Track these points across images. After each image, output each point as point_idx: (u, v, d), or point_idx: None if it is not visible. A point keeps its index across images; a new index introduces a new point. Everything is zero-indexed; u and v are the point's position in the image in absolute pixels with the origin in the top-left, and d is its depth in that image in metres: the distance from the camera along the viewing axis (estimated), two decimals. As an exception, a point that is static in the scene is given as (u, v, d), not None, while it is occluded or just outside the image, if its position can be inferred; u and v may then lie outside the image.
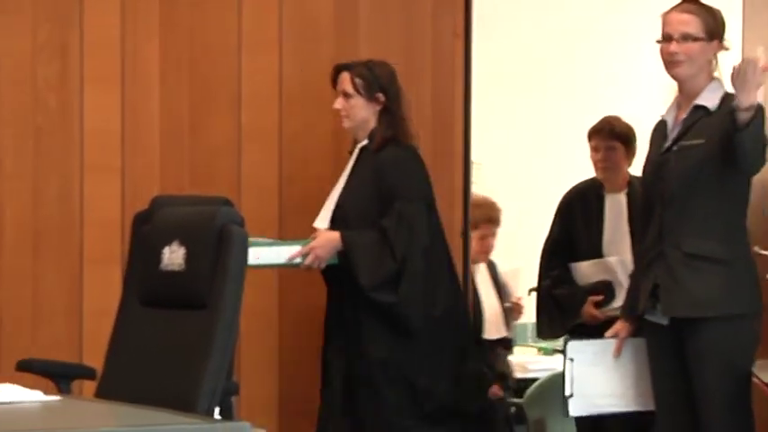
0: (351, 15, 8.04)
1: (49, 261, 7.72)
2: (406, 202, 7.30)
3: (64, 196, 7.78)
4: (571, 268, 8.05)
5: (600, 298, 7.82)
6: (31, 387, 4.46)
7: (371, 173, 7.49)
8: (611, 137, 8.07)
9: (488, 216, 9.19)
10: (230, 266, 5.37)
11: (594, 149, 8.10)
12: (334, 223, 7.41)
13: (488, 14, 8.82)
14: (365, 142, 7.41)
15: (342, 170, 7.66)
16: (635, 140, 8.09)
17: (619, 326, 6.93)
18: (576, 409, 6.99)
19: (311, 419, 7.75)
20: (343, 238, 7.25)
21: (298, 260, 7.16)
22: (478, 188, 8.85)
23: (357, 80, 7.42)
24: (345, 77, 7.43)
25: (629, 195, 8.09)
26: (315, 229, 7.47)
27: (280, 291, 8.02)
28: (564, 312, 8.07)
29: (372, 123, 7.42)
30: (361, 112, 7.39)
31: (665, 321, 6.68)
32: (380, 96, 7.36)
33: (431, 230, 7.16)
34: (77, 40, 7.75)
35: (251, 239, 5.73)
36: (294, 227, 7.95)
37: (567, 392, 6.93)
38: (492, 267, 9.38)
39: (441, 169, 7.90)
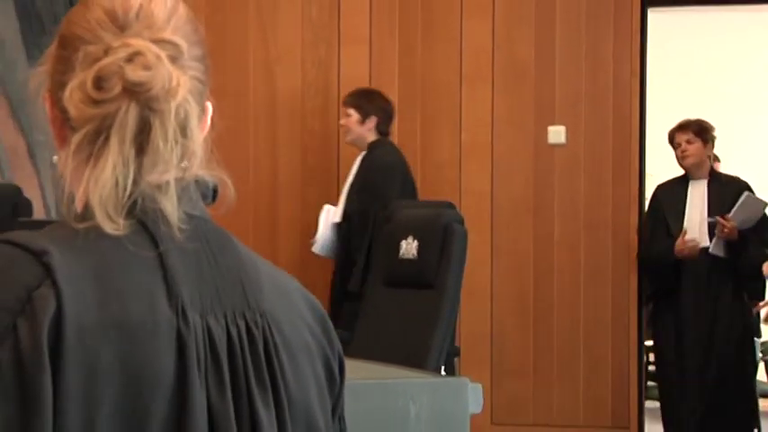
0: (548, 58, 8.39)
1: (297, 250, 8.12)
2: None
3: (329, 200, 8.18)
4: None
5: None
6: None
7: None
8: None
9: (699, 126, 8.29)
10: (453, 255, 5.94)
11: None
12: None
13: (662, 55, 9.23)
14: None
15: (539, 178, 8.21)
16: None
17: None
18: None
19: (520, 377, 8.33)
20: None
21: None
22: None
23: None
24: None
25: None
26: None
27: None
28: None
29: None
30: None
31: None
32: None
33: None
34: (335, 79, 8.49)
35: None
36: (505, 224, 8.43)
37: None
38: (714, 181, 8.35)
39: (621, 179, 8.34)
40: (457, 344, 7.00)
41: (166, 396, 1.58)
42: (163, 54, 1.63)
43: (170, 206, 1.65)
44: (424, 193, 7.97)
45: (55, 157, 1.69)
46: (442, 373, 5.67)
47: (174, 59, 1.65)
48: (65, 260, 1.58)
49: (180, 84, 1.63)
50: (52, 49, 1.71)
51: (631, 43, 8.33)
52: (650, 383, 9.04)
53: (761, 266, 7.70)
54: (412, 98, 8.47)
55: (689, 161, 8.16)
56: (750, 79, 9.63)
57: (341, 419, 1.85)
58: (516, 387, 8.36)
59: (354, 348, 6.06)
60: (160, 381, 1.57)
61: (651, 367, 9.37)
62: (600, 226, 8.36)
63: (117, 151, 1.60)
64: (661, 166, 9.11)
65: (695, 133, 8.17)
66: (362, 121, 7.77)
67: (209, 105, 1.75)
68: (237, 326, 1.66)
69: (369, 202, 7.44)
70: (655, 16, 8.50)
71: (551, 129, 8.36)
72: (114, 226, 1.60)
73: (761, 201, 7.89)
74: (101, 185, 1.60)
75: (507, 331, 8.43)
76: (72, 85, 1.62)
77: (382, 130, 7.82)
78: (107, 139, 1.61)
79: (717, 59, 10.84)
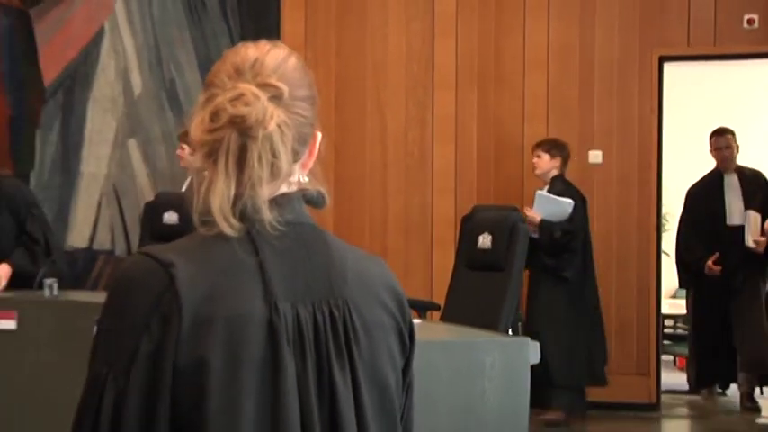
0: (589, 100, 8.24)
1: (414, 242, 8.39)
2: None
3: (424, 205, 8.40)
4: None
5: None
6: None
7: None
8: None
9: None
10: (518, 246, 5.88)
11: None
12: None
13: (675, 96, 9.03)
14: None
15: (582, 189, 7.86)
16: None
17: None
18: None
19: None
20: None
21: None
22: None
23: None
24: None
25: None
26: None
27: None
28: None
29: None
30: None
31: None
32: None
33: None
34: (430, 116, 8.41)
35: None
36: None
37: None
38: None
39: (644, 191, 8.16)
40: (521, 312, 6.89)
41: (260, 368, 1.58)
42: (262, 95, 1.64)
43: (268, 216, 1.64)
44: (504, 199, 7.97)
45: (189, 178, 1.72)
46: (509, 333, 5.61)
47: (274, 98, 1.65)
48: (186, 270, 1.60)
49: (272, 117, 1.63)
50: (200, 96, 1.71)
51: (651, 88, 8.19)
52: (665, 342, 9.04)
53: None
54: (487, 131, 8.39)
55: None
56: (743, 118, 9.37)
57: (411, 376, 1.80)
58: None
59: (443, 316, 6.07)
60: (253, 357, 1.58)
61: (667, 330, 9.33)
62: (627, 224, 8.21)
63: (223, 168, 1.61)
64: (675, 179, 9.06)
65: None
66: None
67: (318, 134, 1.74)
68: (322, 311, 1.65)
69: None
70: (669, 68, 8.36)
71: (591, 152, 8.25)
72: (230, 229, 1.62)
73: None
74: (216, 195, 1.61)
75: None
76: (197, 117, 1.66)
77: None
78: (216, 159, 1.62)
79: (717, 101, 10.60)
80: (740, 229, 8.16)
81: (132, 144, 8.80)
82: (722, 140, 8.40)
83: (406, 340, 1.76)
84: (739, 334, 8.19)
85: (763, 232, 7.93)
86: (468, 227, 6.26)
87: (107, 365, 1.59)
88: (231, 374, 1.57)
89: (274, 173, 1.64)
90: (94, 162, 8.81)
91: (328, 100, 8.13)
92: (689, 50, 8.20)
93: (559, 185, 7.66)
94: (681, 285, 8.66)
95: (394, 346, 1.73)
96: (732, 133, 8.40)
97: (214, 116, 1.63)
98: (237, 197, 1.62)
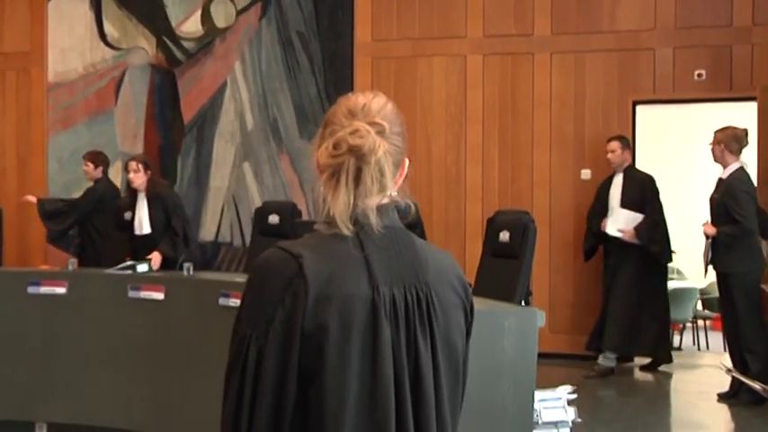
0: (581, 132, 8.07)
1: (452, 237, 8.27)
2: None
3: (459, 209, 8.31)
4: None
5: None
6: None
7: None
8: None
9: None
10: (528, 241, 5.72)
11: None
12: None
13: (645, 129, 8.61)
14: None
15: (577, 196, 7.92)
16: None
17: None
18: None
19: (571, 308, 7.95)
20: None
21: None
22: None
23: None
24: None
25: None
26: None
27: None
28: None
29: None
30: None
31: None
32: None
33: None
34: (464, 143, 8.24)
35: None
36: (558, 222, 7.99)
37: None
38: None
39: None
40: (530, 289, 6.57)
41: (364, 333, 1.56)
42: (372, 130, 1.61)
43: (374, 221, 1.62)
44: (518, 205, 7.79)
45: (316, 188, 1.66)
46: (522, 304, 5.48)
47: (379, 133, 1.62)
48: (311, 259, 1.58)
49: (380, 147, 1.60)
50: (319, 130, 1.68)
51: (627, 123, 8.05)
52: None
53: None
54: (506, 155, 8.27)
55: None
56: (695, 147, 8.85)
57: (468, 339, 1.75)
58: (566, 314, 8.08)
59: (475, 291, 5.73)
60: (360, 325, 1.56)
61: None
62: None
63: (344, 184, 1.59)
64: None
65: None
66: None
67: (406, 161, 1.70)
68: (411, 293, 1.62)
69: None
70: (640, 109, 8.25)
71: (582, 171, 8.14)
72: (347, 230, 1.60)
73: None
74: (338, 205, 1.59)
75: (559, 286, 8.14)
76: (322, 146, 1.62)
77: None
78: (338, 178, 1.59)
79: (676, 134, 10.47)
80: None
81: (246, 165, 8.82)
82: (609, 146, 7.58)
83: (468, 314, 1.73)
84: (606, 313, 7.47)
85: (634, 230, 7.29)
86: (492, 226, 6.15)
87: (250, 328, 1.58)
88: (343, 337, 1.56)
89: (380, 188, 1.62)
90: (219, 178, 8.88)
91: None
92: (654, 96, 8.06)
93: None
94: (585, 259, 7.78)
95: (461, 319, 1.70)
96: (620, 140, 7.56)
97: (336, 145, 1.60)
98: (353, 207, 1.61)
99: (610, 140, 7.61)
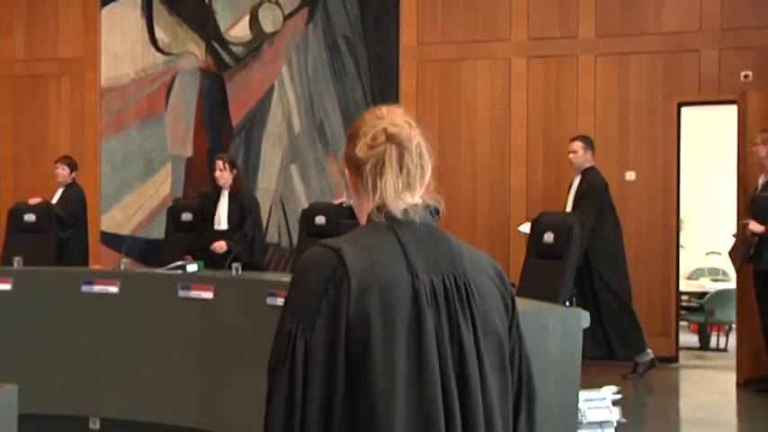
0: (626, 135, 8.04)
1: (496, 239, 8.23)
2: None
3: (503, 211, 8.23)
4: None
5: None
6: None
7: None
8: None
9: None
10: (573, 242, 5.80)
11: None
12: None
13: (690, 131, 8.47)
14: None
15: (620, 199, 7.57)
16: None
17: None
18: None
19: None
20: None
21: None
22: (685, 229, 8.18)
23: None
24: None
25: None
26: None
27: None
28: None
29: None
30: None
31: None
32: None
33: None
34: (508, 146, 8.23)
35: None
36: None
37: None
38: None
39: (666, 201, 7.94)
40: (574, 289, 6.55)
41: (407, 318, 1.59)
42: (404, 123, 1.70)
43: (414, 217, 1.67)
44: (563, 206, 7.56)
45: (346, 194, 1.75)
46: (566, 305, 5.34)
47: (410, 126, 1.70)
48: (352, 252, 1.61)
49: (415, 135, 1.69)
50: (347, 142, 1.74)
51: (672, 125, 8.02)
52: (682, 311, 8.61)
53: None
54: (549, 157, 8.25)
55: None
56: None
57: (518, 330, 1.77)
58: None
59: (520, 291, 5.69)
60: (402, 311, 1.59)
61: (683, 303, 8.93)
62: (653, 225, 8.02)
63: (390, 169, 1.66)
64: (690, 192, 8.73)
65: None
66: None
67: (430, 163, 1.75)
68: (449, 279, 1.65)
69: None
70: (685, 110, 8.14)
71: (627, 173, 8.10)
72: (400, 210, 1.66)
73: None
74: (387, 188, 1.65)
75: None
76: (360, 143, 1.68)
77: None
78: (383, 165, 1.66)
79: (719, 135, 10.09)
80: None
81: (293, 168, 8.85)
82: (572, 146, 7.25)
83: (509, 303, 1.74)
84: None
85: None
86: (537, 227, 6.14)
87: (295, 323, 1.59)
88: (387, 323, 1.58)
89: (422, 174, 1.68)
90: (267, 180, 8.91)
91: (433, 135, 6.77)
92: (700, 97, 8.00)
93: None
94: None
95: (501, 305, 1.71)
96: (583, 140, 7.24)
97: (374, 138, 1.67)
98: (400, 193, 1.67)
99: (573, 140, 7.29)
